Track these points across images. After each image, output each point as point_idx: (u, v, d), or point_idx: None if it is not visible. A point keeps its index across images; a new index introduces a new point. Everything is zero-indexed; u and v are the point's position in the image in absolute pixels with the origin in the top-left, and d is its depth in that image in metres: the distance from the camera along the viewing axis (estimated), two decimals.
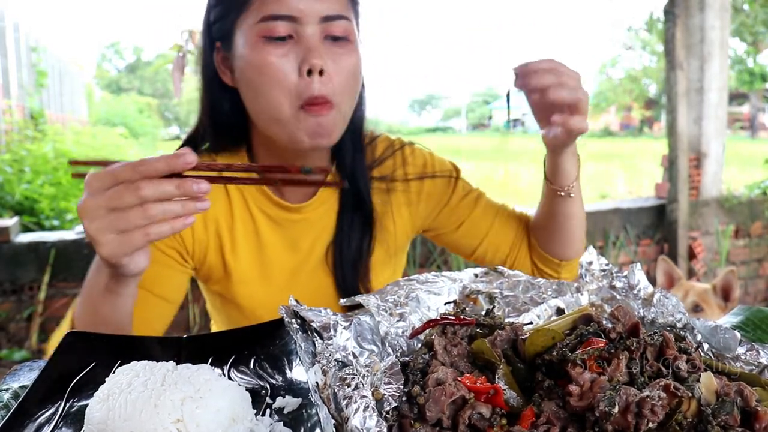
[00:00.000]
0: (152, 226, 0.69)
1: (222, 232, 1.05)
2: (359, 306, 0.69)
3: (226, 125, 1.04)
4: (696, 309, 2.29)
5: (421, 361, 0.61)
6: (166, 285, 1.02)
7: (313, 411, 0.66)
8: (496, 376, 0.58)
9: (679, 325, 0.70)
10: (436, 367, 0.59)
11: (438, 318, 0.67)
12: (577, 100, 0.91)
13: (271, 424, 0.64)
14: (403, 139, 1.20)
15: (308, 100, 0.91)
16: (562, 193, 1.03)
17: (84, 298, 0.87)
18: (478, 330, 0.66)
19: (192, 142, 1.07)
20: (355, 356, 0.60)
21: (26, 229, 3.74)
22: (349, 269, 1.09)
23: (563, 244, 1.11)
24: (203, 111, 1.05)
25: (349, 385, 0.53)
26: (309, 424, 0.64)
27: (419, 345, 0.67)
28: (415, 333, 0.67)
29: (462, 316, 0.67)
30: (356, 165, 1.09)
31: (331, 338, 0.60)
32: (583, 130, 0.94)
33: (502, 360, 0.60)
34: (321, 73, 0.90)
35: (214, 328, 1.24)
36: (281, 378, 0.73)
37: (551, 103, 0.92)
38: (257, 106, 0.96)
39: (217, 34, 0.98)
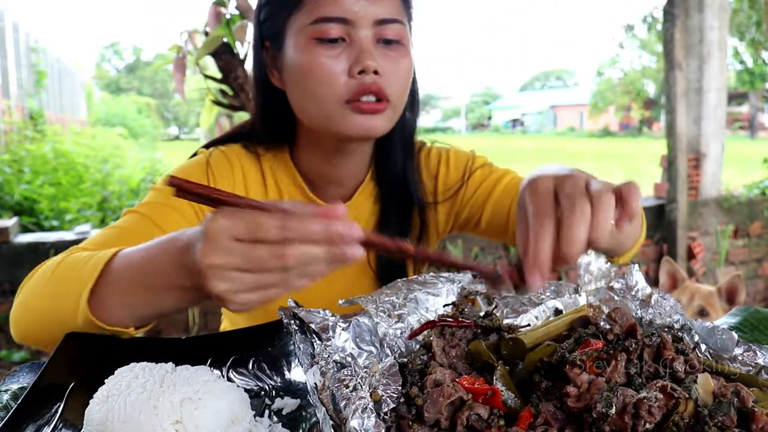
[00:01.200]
0: (291, 281, 0.59)
1: None
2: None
3: (275, 124, 1.04)
4: (702, 313, 2.29)
5: (419, 362, 0.62)
6: (173, 224, 0.95)
7: (312, 412, 0.66)
8: (494, 378, 0.58)
9: (676, 326, 0.70)
10: (435, 368, 0.59)
11: (436, 320, 0.68)
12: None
13: (270, 425, 0.64)
14: (421, 141, 1.17)
15: (359, 91, 0.89)
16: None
17: (137, 269, 0.72)
18: (477, 330, 0.66)
19: (242, 134, 1.09)
20: (353, 357, 0.60)
21: (25, 229, 3.74)
22: (397, 270, 1.08)
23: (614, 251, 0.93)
24: (255, 108, 1.06)
25: (347, 387, 0.53)
26: (308, 426, 0.64)
27: (417, 346, 0.67)
28: (414, 334, 0.67)
29: (460, 318, 0.67)
30: (407, 170, 1.08)
31: (330, 339, 0.61)
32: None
33: (500, 361, 0.60)
34: (375, 73, 0.90)
35: (225, 324, 1.23)
36: (280, 379, 0.73)
37: None
38: (303, 103, 0.95)
39: (267, 33, 0.98)
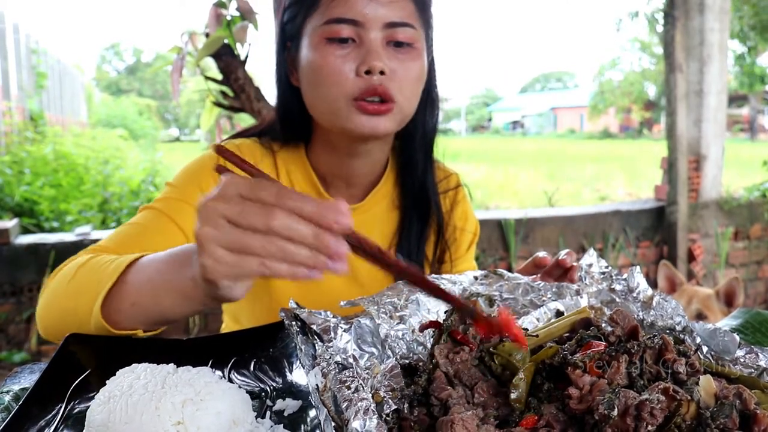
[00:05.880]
0: (271, 259, 0.58)
1: None
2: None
3: (292, 122, 1.06)
4: (700, 316, 2.28)
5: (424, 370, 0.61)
6: (189, 220, 0.98)
7: (314, 413, 0.66)
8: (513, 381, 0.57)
9: (678, 328, 0.70)
10: (446, 392, 0.56)
11: (440, 321, 0.67)
12: None
13: (272, 426, 0.64)
14: (458, 178, 1.22)
15: (366, 91, 0.91)
16: None
17: (148, 276, 0.75)
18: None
19: (264, 132, 1.11)
20: (355, 359, 0.60)
21: (26, 230, 3.74)
22: None
23: None
24: (276, 107, 1.08)
25: (349, 388, 0.53)
26: (309, 427, 0.64)
27: (420, 348, 0.67)
28: (424, 327, 0.67)
29: (464, 326, 0.67)
30: (427, 176, 1.11)
31: (332, 341, 0.61)
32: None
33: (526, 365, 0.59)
34: (382, 73, 0.92)
35: (227, 321, 1.23)
36: (281, 380, 0.73)
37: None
38: (314, 100, 0.98)
39: (288, 34, 1.01)
